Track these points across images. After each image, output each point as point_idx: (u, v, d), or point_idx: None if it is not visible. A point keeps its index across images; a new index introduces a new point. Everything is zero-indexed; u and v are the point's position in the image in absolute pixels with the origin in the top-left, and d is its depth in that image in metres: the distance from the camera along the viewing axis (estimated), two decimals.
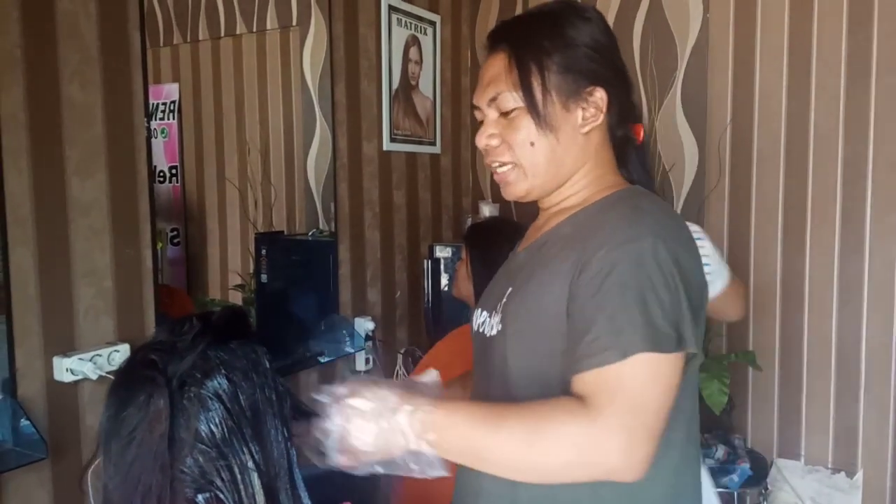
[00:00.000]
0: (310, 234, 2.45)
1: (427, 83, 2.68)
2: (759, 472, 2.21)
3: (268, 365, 0.73)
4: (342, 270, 2.33)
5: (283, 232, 2.46)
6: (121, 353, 1.57)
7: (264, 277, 2.39)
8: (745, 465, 2.13)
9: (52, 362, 1.46)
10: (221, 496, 0.67)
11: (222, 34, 2.37)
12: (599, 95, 0.94)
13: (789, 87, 2.49)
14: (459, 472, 1.02)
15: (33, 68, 1.41)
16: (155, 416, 0.66)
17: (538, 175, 0.95)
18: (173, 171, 2.28)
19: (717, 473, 2.12)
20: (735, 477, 2.08)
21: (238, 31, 2.37)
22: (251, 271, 2.40)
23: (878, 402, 2.44)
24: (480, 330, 1.02)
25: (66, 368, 1.46)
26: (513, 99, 0.93)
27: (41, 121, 1.44)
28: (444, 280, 2.44)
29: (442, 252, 2.45)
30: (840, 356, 2.50)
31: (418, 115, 2.65)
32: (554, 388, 0.85)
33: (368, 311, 2.41)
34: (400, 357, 2.49)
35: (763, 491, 2.36)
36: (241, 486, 0.67)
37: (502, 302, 0.95)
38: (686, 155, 2.65)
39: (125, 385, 0.69)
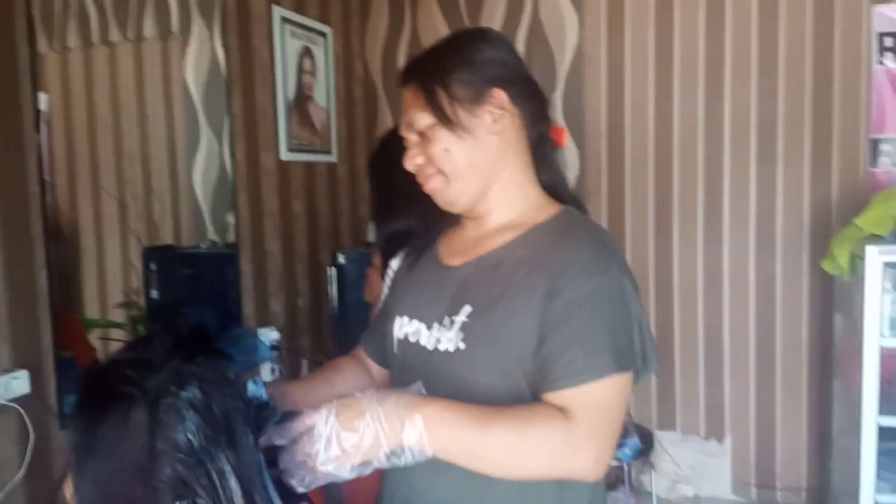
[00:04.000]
0: (202, 246, 2.41)
1: (321, 94, 2.72)
2: (648, 445, 2.43)
3: (232, 377, 0.77)
4: (244, 282, 2.31)
5: (172, 245, 2.40)
6: (19, 380, 1.50)
7: (154, 293, 2.31)
8: (636, 440, 2.33)
9: None
10: (201, 502, 0.70)
11: (95, 42, 2.27)
12: (500, 95, 1.01)
13: (656, 98, 2.76)
14: (399, 483, 1.04)
15: None
16: (134, 430, 0.68)
17: (459, 178, 1.01)
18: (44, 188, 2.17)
19: None
20: (627, 450, 2.27)
21: (113, 39, 2.29)
22: (136, 287, 2.31)
23: (740, 376, 2.76)
24: (416, 340, 1.03)
25: None
26: (425, 117, 1.01)
27: None
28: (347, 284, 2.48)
29: (343, 259, 2.50)
30: (706, 336, 2.79)
31: (314, 124, 2.67)
32: (525, 399, 0.93)
33: (272, 321, 2.41)
34: (305, 365, 2.51)
35: (647, 461, 2.59)
36: (221, 491, 0.70)
37: (458, 318, 0.98)
38: (568, 161, 2.85)
39: (99, 402, 0.70)
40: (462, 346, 0.96)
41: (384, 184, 1.65)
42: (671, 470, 2.83)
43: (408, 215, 1.55)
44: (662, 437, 2.84)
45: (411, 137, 1.04)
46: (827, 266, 2.25)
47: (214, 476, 0.71)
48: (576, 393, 0.88)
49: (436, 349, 0.99)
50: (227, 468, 0.72)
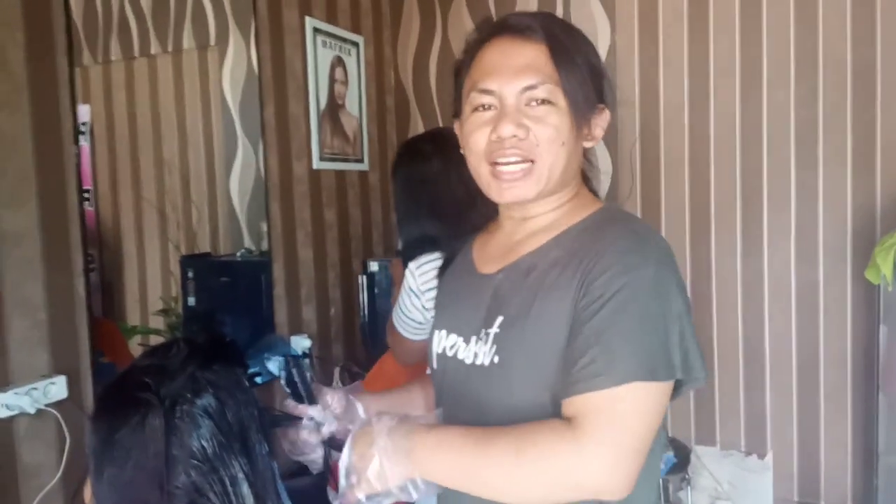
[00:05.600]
0: (238, 254, 2.44)
1: (353, 102, 2.74)
2: (682, 460, 2.37)
3: (248, 385, 0.78)
4: (277, 290, 2.34)
5: (209, 253, 2.44)
6: (57, 386, 1.54)
7: (192, 301, 2.36)
8: (670, 454, 2.28)
9: None
10: None
11: (136, 54, 2.33)
12: (606, 116, 0.95)
13: (690, 103, 2.70)
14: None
15: None
16: (151, 436, 0.69)
17: (552, 178, 0.91)
18: (86, 196, 2.22)
19: None
20: (661, 465, 2.22)
21: (153, 52, 2.34)
22: (174, 295, 2.36)
23: (782, 389, 2.67)
24: (454, 355, 0.98)
25: (2, 404, 1.42)
26: (556, 93, 0.89)
27: None
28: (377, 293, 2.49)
29: (375, 267, 2.50)
30: (746, 348, 2.71)
31: (346, 133, 2.70)
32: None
33: (304, 328, 2.43)
34: (337, 373, 2.52)
35: (685, 477, 2.52)
36: (233, 497, 0.71)
37: (492, 330, 0.91)
38: (601, 167, 2.80)
39: (117, 408, 0.72)
40: (496, 359, 0.89)
41: (407, 190, 1.66)
42: (710, 486, 2.75)
43: (431, 222, 1.55)
44: (701, 453, 2.76)
45: (513, 101, 0.90)
46: (870, 275, 2.17)
47: (227, 482, 0.71)
48: (589, 399, 0.78)
49: (473, 364, 0.93)
50: (241, 475, 0.72)
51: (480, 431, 0.82)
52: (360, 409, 0.96)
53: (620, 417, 0.78)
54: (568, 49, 0.90)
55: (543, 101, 0.89)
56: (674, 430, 2.76)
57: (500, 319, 0.91)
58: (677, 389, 0.85)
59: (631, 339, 0.80)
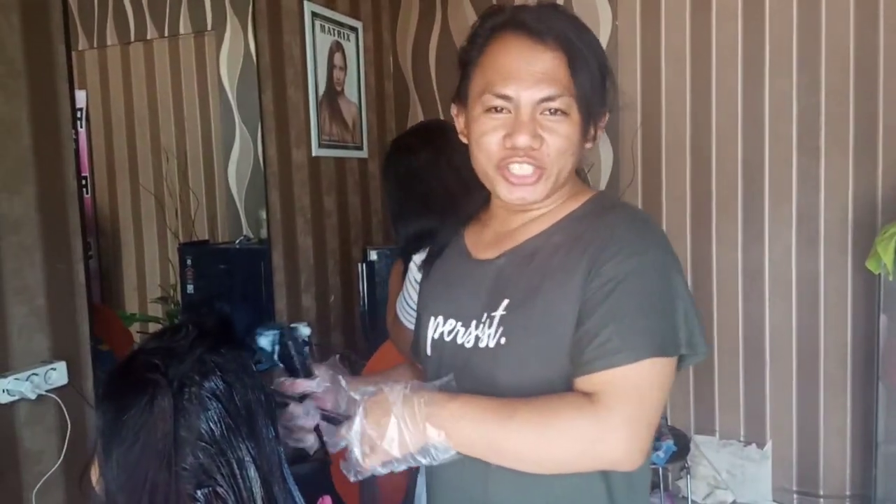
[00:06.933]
0: (237, 242, 2.43)
1: (352, 89, 2.72)
2: (682, 448, 2.38)
3: (254, 369, 0.77)
4: (276, 277, 2.33)
5: (208, 241, 2.42)
6: (58, 372, 1.53)
7: (190, 288, 2.34)
8: (670, 442, 2.29)
9: None
10: (220, 490, 0.70)
11: (132, 39, 2.31)
12: (606, 117, 0.97)
13: (692, 90, 2.69)
14: (447, 484, 1.00)
15: None
16: (159, 417, 0.68)
17: (558, 182, 0.94)
18: (83, 183, 2.21)
19: None
20: (661, 453, 2.23)
21: (149, 36, 2.32)
22: (173, 283, 2.35)
23: (782, 378, 2.68)
24: (452, 339, 0.98)
25: (3, 389, 1.41)
26: (571, 105, 0.90)
27: None
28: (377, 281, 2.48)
29: (374, 255, 2.49)
30: (746, 338, 2.71)
31: (345, 120, 2.68)
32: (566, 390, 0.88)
33: (303, 316, 2.42)
34: (336, 360, 2.51)
35: (684, 466, 2.53)
36: (240, 480, 0.71)
37: (497, 313, 0.92)
38: (602, 156, 2.80)
39: (125, 389, 0.71)
40: (503, 340, 0.91)
41: (399, 186, 1.66)
42: (709, 475, 2.76)
43: (429, 215, 1.54)
44: (700, 442, 2.77)
45: (528, 110, 0.90)
46: (871, 265, 2.17)
47: (235, 465, 0.71)
48: (607, 376, 0.82)
49: (475, 346, 0.94)
50: (248, 458, 0.72)
51: (501, 402, 0.83)
52: (342, 382, 0.96)
53: (638, 391, 0.82)
54: (585, 58, 0.91)
55: (557, 111, 0.90)
56: (673, 419, 2.77)
57: (505, 302, 0.92)
58: (680, 364, 0.89)
59: (642, 318, 0.84)
